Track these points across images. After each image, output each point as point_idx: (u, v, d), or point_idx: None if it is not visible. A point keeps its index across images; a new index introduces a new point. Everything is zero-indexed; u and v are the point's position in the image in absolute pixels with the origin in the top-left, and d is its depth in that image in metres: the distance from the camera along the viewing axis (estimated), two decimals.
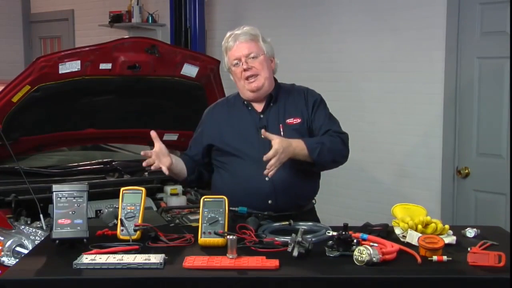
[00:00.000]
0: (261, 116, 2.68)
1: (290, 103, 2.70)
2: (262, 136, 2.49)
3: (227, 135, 2.69)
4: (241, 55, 2.62)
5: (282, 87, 2.75)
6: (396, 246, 2.08)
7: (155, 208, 3.31)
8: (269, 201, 2.58)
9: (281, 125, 2.64)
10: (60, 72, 3.18)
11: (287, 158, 2.46)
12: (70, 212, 2.17)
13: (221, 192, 2.46)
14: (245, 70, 2.61)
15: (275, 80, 2.74)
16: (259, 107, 2.70)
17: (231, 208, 2.33)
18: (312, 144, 2.55)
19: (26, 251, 2.67)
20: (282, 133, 2.61)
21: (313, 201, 2.79)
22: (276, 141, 2.43)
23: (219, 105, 2.84)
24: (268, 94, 2.68)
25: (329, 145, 2.57)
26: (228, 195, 2.31)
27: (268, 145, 2.51)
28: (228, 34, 2.70)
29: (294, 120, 2.66)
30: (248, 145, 2.63)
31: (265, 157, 2.42)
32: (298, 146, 2.51)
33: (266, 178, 2.55)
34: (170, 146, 4.00)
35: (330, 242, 2.08)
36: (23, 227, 2.87)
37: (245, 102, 2.72)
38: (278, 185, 2.58)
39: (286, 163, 2.56)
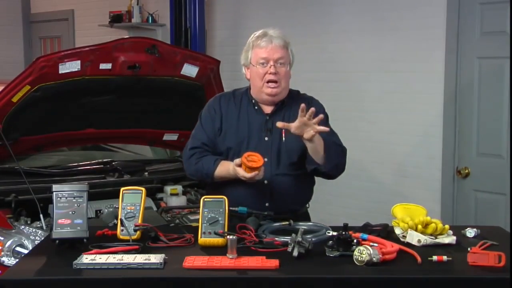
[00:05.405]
0: (268, 118, 2.67)
1: (296, 110, 2.65)
2: (279, 126, 2.47)
3: (230, 131, 2.67)
4: (272, 58, 2.60)
5: (290, 94, 2.74)
6: (396, 246, 2.08)
7: (155, 208, 3.31)
8: (266, 204, 2.60)
9: (284, 130, 2.62)
10: (60, 72, 3.18)
11: (312, 132, 2.42)
12: (70, 212, 2.17)
13: (218, 192, 2.46)
14: (270, 73, 2.59)
15: None
16: (267, 109, 2.70)
17: (231, 208, 2.33)
18: (327, 138, 2.55)
19: (26, 251, 2.67)
20: (284, 138, 2.63)
21: (307, 205, 2.80)
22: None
23: (225, 97, 2.78)
24: None
25: (337, 148, 2.62)
26: (226, 196, 2.31)
27: (270, 147, 2.56)
28: (260, 32, 2.66)
29: None
30: (248, 146, 2.62)
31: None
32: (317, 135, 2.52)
33: (265, 181, 2.58)
34: (170, 146, 4.04)
35: (330, 242, 2.08)
36: (23, 227, 2.87)
37: (253, 101, 2.71)
38: (275, 188, 2.61)
39: (285, 168, 2.60)
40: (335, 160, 2.61)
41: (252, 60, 2.65)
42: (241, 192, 2.58)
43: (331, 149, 2.57)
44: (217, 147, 2.68)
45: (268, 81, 2.61)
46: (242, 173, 2.46)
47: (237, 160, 2.48)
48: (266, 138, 2.64)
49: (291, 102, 2.72)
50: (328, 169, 2.63)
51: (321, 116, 2.43)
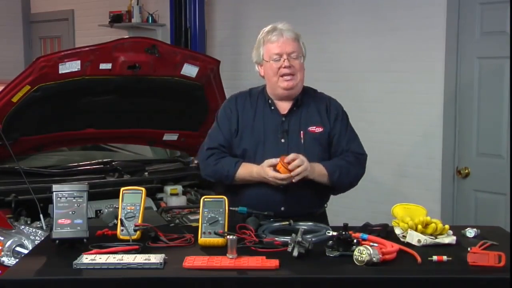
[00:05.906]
0: (283, 119, 2.62)
1: (313, 110, 2.65)
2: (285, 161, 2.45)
3: (246, 132, 2.61)
4: (284, 51, 2.55)
5: (306, 92, 2.68)
6: (396, 246, 2.08)
7: (155, 208, 3.31)
8: (282, 208, 2.55)
9: (302, 131, 2.59)
10: (60, 72, 3.18)
11: (307, 172, 2.46)
12: (70, 212, 2.17)
13: (234, 195, 2.45)
14: (285, 67, 2.55)
15: None
16: (283, 108, 2.63)
17: (231, 208, 2.33)
18: (332, 167, 2.57)
19: (26, 251, 2.67)
20: (302, 140, 2.58)
21: (325, 205, 2.78)
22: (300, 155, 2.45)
23: (241, 97, 2.70)
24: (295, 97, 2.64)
25: (348, 168, 2.60)
26: (241, 200, 2.30)
27: (287, 150, 2.50)
28: (270, 27, 2.62)
29: (316, 129, 2.62)
30: (265, 149, 2.57)
31: (287, 159, 2.42)
32: (318, 166, 2.54)
33: (281, 186, 2.52)
34: (170, 146, 4.04)
35: (330, 242, 2.08)
36: (23, 227, 2.88)
37: (270, 101, 2.65)
38: (291, 193, 2.55)
39: None
40: (344, 182, 2.63)
41: (265, 56, 2.60)
42: (255, 195, 2.53)
43: (342, 178, 2.58)
44: (233, 149, 2.62)
45: (283, 75, 2.56)
46: (272, 173, 2.43)
47: (273, 160, 2.44)
48: (283, 140, 2.58)
49: (307, 100, 2.66)
50: (340, 192, 2.69)
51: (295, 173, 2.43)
